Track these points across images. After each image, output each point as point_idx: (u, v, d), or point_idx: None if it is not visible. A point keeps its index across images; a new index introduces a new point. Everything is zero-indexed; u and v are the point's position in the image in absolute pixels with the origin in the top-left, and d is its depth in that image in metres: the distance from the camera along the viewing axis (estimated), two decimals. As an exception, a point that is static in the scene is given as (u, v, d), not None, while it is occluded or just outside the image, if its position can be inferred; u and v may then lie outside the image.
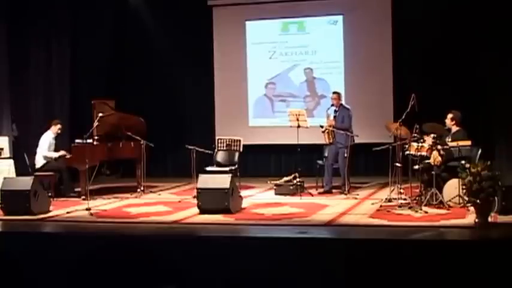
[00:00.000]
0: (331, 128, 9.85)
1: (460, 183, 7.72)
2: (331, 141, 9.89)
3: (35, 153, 10.14)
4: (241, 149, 10.32)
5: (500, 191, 7.34)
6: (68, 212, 8.77)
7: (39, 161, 10.07)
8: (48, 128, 10.29)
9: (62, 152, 10.10)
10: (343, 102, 10.22)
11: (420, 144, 8.60)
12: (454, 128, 8.76)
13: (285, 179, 10.07)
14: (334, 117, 9.96)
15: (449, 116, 8.76)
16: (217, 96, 12.91)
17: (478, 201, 7.10)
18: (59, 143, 10.42)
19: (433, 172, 8.37)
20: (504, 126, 9.91)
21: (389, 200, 8.74)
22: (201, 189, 8.47)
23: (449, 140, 8.63)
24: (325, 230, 7.51)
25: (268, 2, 12.59)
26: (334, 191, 9.96)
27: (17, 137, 11.15)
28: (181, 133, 12.61)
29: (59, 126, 10.27)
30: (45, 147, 10.08)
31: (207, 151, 10.14)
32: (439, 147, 8.48)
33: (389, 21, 11.92)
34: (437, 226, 7.25)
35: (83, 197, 9.56)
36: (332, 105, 10.02)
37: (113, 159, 10.83)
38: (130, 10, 12.82)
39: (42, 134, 10.29)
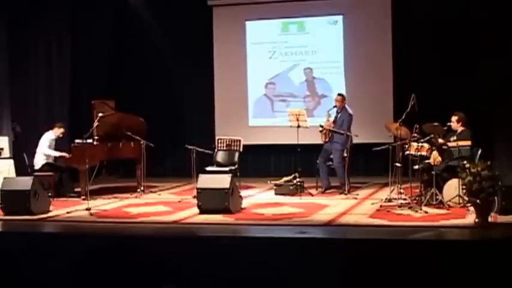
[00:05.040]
0: (329, 128, 9.86)
1: (460, 183, 7.72)
2: (326, 140, 9.91)
3: (34, 153, 10.13)
4: (241, 149, 10.31)
5: (500, 191, 7.34)
6: (68, 212, 8.77)
7: (39, 162, 10.05)
8: (50, 129, 10.28)
9: (63, 154, 10.09)
10: (346, 105, 10.20)
11: (420, 144, 8.61)
12: (460, 128, 8.74)
13: (285, 179, 10.06)
14: (335, 119, 9.95)
15: (455, 118, 8.72)
16: (217, 96, 12.91)
17: (478, 201, 7.10)
18: (59, 142, 10.41)
19: (433, 172, 8.37)
20: (504, 126, 9.92)
21: (389, 200, 8.73)
22: (201, 189, 8.47)
23: (454, 139, 8.61)
24: (325, 230, 7.50)
25: (268, 2, 12.59)
26: (334, 191, 9.96)
27: (17, 136, 11.12)
28: (181, 133, 12.61)
29: (62, 130, 10.26)
30: (46, 145, 10.07)
31: (207, 151, 10.14)
32: (440, 140, 8.48)
33: (389, 21, 11.92)
34: (437, 226, 7.25)
35: (83, 197, 9.56)
36: (335, 106, 10.02)
37: (113, 159, 10.83)
38: (130, 10, 12.81)
39: (42, 134, 10.28)
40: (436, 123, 8.62)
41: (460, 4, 11.10)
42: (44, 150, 10.06)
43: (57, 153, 10.11)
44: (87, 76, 12.46)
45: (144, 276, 6.59)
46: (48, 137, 10.15)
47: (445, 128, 8.69)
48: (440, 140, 8.60)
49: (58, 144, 10.36)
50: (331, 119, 9.98)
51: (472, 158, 8.36)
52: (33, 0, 11.48)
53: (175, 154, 12.48)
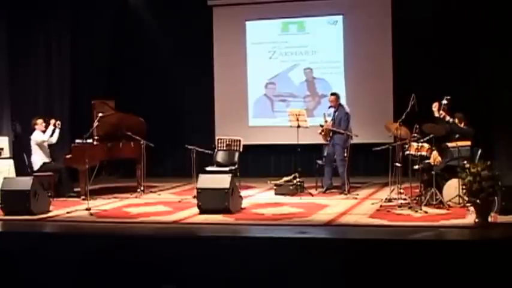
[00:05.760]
0: (328, 128, 9.86)
1: (460, 183, 7.72)
2: (327, 139, 9.92)
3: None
4: (241, 149, 10.32)
5: (500, 191, 7.34)
6: (68, 212, 8.77)
7: (37, 163, 10.02)
8: (33, 130, 10.19)
9: (50, 127, 10.07)
10: (343, 102, 10.20)
11: (420, 144, 8.61)
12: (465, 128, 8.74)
13: (285, 179, 10.06)
14: (333, 119, 9.95)
15: (456, 120, 8.73)
16: (217, 96, 12.92)
17: (478, 201, 7.10)
18: (59, 143, 10.40)
19: (433, 172, 8.37)
20: (504, 126, 9.92)
21: (389, 200, 8.73)
22: (201, 189, 8.47)
23: (458, 137, 8.61)
24: (325, 230, 7.50)
25: (268, 2, 12.60)
26: (334, 191, 9.96)
27: (17, 136, 11.11)
28: (181, 133, 12.61)
29: (41, 120, 10.18)
30: (37, 148, 10.02)
31: (207, 151, 10.14)
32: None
33: (389, 21, 11.93)
34: (437, 226, 7.24)
35: (83, 197, 9.56)
36: (330, 106, 10.03)
37: (113, 159, 10.83)
38: (130, 10, 12.80)
39: (42, 133, 10.27)
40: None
41: (460, 4, 11.09)
42: (36, 152, 10.02)
43: (49, 132, 10.06)
44: (87, 76, 12.46)
45: (144, 276, 6.60)
46: (36, 137, 10.07)
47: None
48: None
49: (58, 144, 10.35)
50: (329, 118, 9.98)
51: (472, 158, 8.36)
52: (33, 0, 11.47)
53: (175, 154, 12.49)
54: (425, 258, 6.12)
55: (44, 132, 10.15)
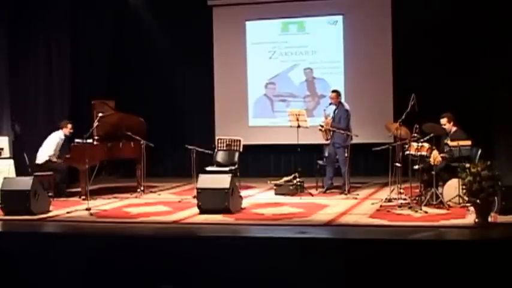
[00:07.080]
0: (328, 127, 9.86)
1: (460, 183, 7.72)
2: (328, 137, 9.92)
3: (35, 151, 10.10)
4: (241, 149, 10.32)
5: (500, 191, 7.34)
6: (68, 212, 8.77)
7: (42, 157, 10.02)
8: (57, 128, 10.26)
9: (59, 161, 10.12)
10: (343, 100, 10.22)
11: (420, 144, 8.61)
12: (453, 129, 8.76)
13: (285, 179, 10.06)
14: (333, 117, 9.95)
15: (445, 120, 8.76)
16: (217, 96, 12.91)
17: (478, 201, 7.10)
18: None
19: (433, 172, 8.37)
20: (504, 126, 9.92)
21: (389, 200, 8.73)
22: (201, 189, 8.47)
23: (449, 140, 8.62)
24: (325, 230, 7.50)
25: (268, 2, 12.60)
26: (334, 191, 9.96)
27: (17, 136, 11.12)
28: (181, 133, 12.62)
29: (70, 126, 10.28)
30: (53, 148, 10.06)
31: (207, 151, 10.15)
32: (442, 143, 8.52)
33: (389, 21, 11.93)
34: (437, 226, 7.25)
35: (83, 197, 9.56)
36: (330, 103, 10.03)
37: (113, 159, 10.83)
38: (130, 10, 12.80)
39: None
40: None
41: (460, 4, 11.09)
42: (50, 153, 10.03)
43: (55, 160, 10.10)
44: (87, 76, 12.45)
45: (144, 276, 6.60)
46: (57, 138, 10.13)
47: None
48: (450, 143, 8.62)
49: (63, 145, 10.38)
50: (329, 117, 9.97)
51: (472, 158, 8.36)
52: (33, 0, 11.47)
53: (175, 154, 12.48)
54: (425, 258, 6.12)
55: (65, 136, 10.24)
